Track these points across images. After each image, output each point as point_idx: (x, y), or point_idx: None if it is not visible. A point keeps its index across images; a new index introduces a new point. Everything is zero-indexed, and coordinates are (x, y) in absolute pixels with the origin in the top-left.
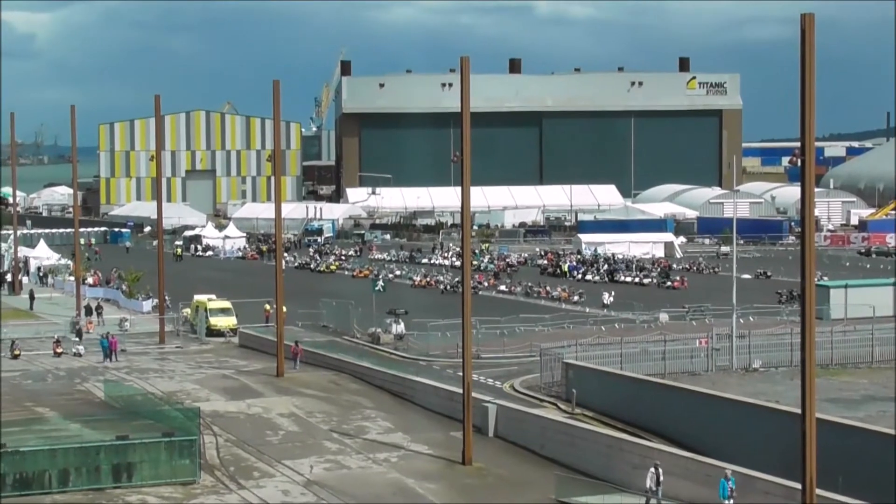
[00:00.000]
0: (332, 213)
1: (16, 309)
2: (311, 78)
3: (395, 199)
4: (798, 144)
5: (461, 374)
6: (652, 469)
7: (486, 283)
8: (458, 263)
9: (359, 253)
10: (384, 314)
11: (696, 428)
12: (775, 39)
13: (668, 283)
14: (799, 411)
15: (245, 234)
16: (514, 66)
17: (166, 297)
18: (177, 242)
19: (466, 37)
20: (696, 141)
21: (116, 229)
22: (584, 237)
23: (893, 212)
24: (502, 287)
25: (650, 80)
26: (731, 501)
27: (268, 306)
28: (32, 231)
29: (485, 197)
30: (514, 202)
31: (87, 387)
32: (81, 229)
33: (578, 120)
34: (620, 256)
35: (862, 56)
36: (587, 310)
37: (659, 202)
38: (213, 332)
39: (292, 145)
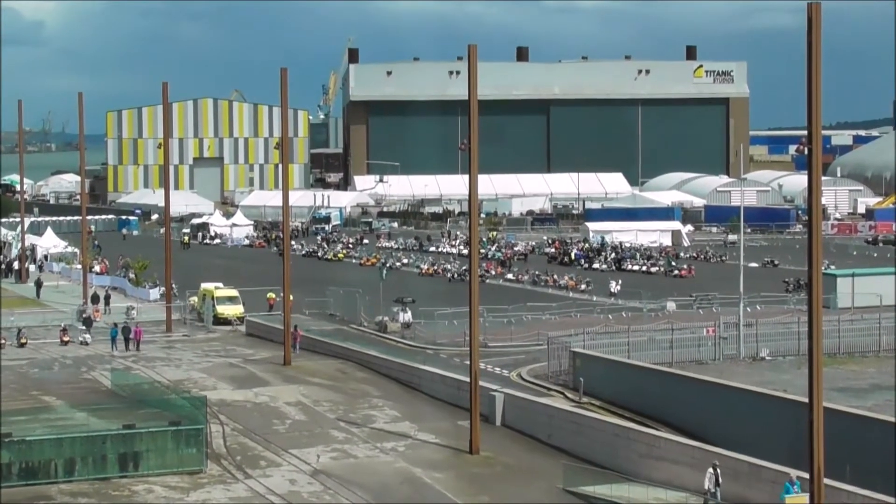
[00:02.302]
0: (339, 201)
1: (22, 297)
2: (319, 65)
3: (403, 187)
4: (805, 133)
5: (468, 362)
6: (710, 469)
7: (493, 272)
8: (465, 251)
9: (360, 241)
10: (391, 302)
11: (704, 417)
12: (782, 28)
13: (676, 272)
14: (806, 400)
15: (252, 222)
16: (522, 54)
17: (173, 286)
18: (184, 230)
19: (474, 25)
20: (704, 129)
21: (124, 217)
22: (592, 225)
23: None
24: (509, 275)
25: (657, 69)
26: None
27: (272, 294)
28: (40, 219)
29: (492, 185)
30: (522, 190)
31: (94, 375)
32: (89, 217)
33: (586, 108)
34: (628, 245)
35: (869, 45)
36: (594, 298)
37: (666, 190)
38: (219, 321)
39: (300, 133)
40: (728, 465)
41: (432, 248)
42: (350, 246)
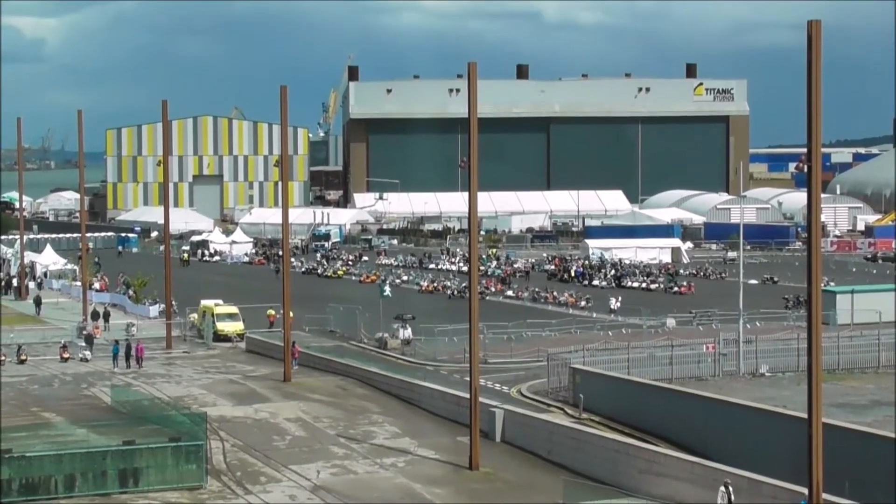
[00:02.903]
0: (339, 219)
1: (22, 314)
2: (319, 83)
3: (403, 205)
4: (805, 150)
5: (468, 378)
6: (722, 488)
7: (493, 289)
8: (465, 268)
9: (359, 258)
10: (391, 319)
11: (703, 433)
12: (782, 46)
13: (675, 289)
14: (805, 416)
15: (252, 240)
16: (522, 72)
17: (173, 303)
18: (184, 247)
19: (474, 42)
20: (703, 147)
21: (123, 234)
22: (592, 242)
23: None
24: (509, 292)
25: (657, 86)
26: None
27: (272, 311)
28: (39, 236)
29: (492, 202)
30: (522, 207)
31: (94, 392)
32: (88, 234)
33: (586, 125)
34: (627, 262)
35: (868, 62)
36: (594, 315)
37: (666, 208)
38: (219, 338)
39: (300, 150)
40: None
41: (432, 265)
42: (350, 263)
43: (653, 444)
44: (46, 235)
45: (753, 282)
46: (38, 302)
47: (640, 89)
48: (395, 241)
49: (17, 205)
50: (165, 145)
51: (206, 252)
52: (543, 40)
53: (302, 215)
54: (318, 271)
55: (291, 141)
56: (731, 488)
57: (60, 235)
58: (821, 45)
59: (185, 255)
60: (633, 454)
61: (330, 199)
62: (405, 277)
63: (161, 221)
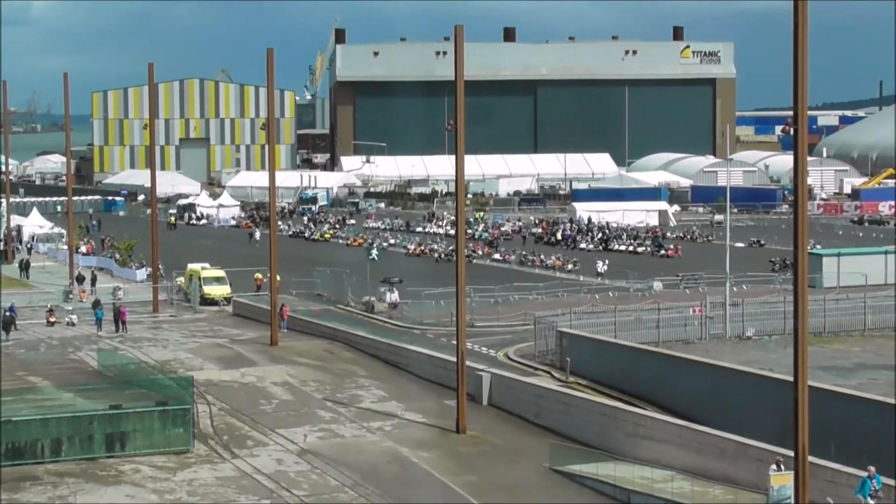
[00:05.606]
0: (326, 182)
1: (8, 278)
2: (306, 46)
3: (390, 168)
4: (791, 113)
5: (455, 342)
6: (773, 466)
7: (480, 252)
8: (452, 232)
9: (344, 221)
10: (378, 283)
11: (690, 396)
12: (769, 8)
13: (662, 252)
14: (791, 379)
15: (239, 203)
16: (509, 35)
17: (160, 266)
18: (171, 211)
19: (461, 5)
20: (690, 110)
21: (110, 198)
22: (579, 206)
23: (887, 180)
24: (496, 255)
25: (644, 49)
26: (874, 502)
27: (259, 275)
28: (25, 199)
29: (479, 165)
30: (509, 170)
31: (81, 356)
32: (74, 198)
33: (573, 88)
34: (615, 225)
35: (855, 25)
36: (581, 278)
37: (653, 171)
38: (206, 301)
39: (286, 113)
40: (713, 444)
41: (419, 229)
42: (337, 226)
43: (640, 408)
44: (33, 199)
45: (740, 245)
46: (21, 265)
47: (627, 52)
48: (382, 205)
49: (3, 168)
50: (151, 108)
51: (193, 215)
52: (530, 3)
53: (289, 178)
54: (305, 235)
55: (278, 104)
56: (782, 466)
57: (47, 199)
58: (807, 7)
59: (172, 218)
60: (620, 417)
61: (317, 162)
62: (392, 241)
63: (148, 185)
